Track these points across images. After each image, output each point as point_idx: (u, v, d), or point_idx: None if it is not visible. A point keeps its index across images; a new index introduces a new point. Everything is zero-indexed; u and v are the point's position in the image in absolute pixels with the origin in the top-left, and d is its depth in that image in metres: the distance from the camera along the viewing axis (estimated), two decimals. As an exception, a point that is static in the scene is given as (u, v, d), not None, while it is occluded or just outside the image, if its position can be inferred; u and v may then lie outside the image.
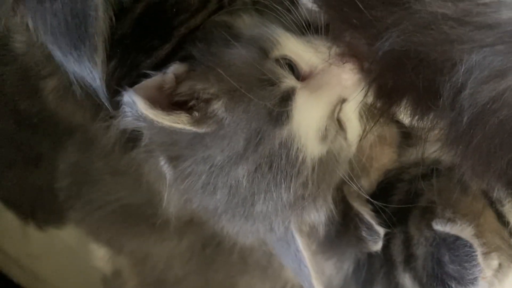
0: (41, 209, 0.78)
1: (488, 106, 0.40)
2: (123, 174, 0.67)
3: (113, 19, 0.46)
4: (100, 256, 0.78)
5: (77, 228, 0.77)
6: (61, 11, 0.43)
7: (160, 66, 0.51)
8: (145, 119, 0.46)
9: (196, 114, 0.47)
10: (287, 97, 0.48)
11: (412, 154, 0.60)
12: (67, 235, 0.81)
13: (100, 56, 0.45)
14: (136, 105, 0.45)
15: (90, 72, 0.46)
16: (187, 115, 0.47)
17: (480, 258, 0.50)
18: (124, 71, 0.52)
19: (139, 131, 0.51)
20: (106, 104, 0.48)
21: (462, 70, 0.40)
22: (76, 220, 0.76)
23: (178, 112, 0.47)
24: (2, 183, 0.77)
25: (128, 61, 0.51)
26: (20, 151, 0.73)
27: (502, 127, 0.41)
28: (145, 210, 0.66)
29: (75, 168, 0.72)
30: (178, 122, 0.46)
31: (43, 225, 0.80)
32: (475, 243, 0.50)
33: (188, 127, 0.47)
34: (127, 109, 0.47)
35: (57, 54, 0.46)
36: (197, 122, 0.47)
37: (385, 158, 0.60)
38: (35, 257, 0.82)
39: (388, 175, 0.61)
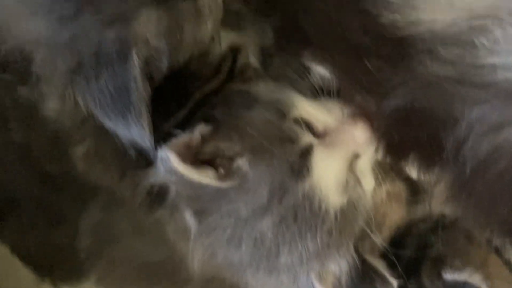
0: (60, 267, 0.79)
1: (488, 157, 0.43)
2: (147, 232, 0.69)
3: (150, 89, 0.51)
4: (119, 315, 0.79)
5: (97, 287, 0.79)
6: (106, 87, 0.48)
7: (180, 127, 0.56)
8: (176, 173, 0.50)
9: (221, 170, 0.51)
10: (306, 153, 0.52)
11: (420, 209, 0.63)
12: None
13: (145, 120, 0.49)
14: (169, 159, 0.50)
15: (139, 135, 0.50)
16: (213, 170, 0.51)
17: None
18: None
19: (165, 188, 0.55)
20: (155, 161, 0.53)
21: (464, 124, 0.44)
22: (97, 278, 0.77)
23: (205, 167, 0.51)
24: (23, 244, 0.79)
25: None
26: (43, 212, 0.75)
27: (502, 177, 0.44)
28: (166, 267, 0.68)
29: (97, 228, 0.74)
30: (206, 176, 0.50)
31: (58, 283, 0.82)
32: (484, 285, 0.52)
33: (214, 182, 0.50)
34: (161, 163, 0.51)
35: (108, 124, 0.51)
36: (222, 177, 0.51)
37: (395, 215, 0.63)
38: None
39: (398, 231, 0.63)
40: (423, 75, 0.44)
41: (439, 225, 0.58)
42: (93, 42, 0.47)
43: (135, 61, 0.47)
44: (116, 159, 0.60)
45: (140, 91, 0.48)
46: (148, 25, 0.47)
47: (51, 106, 0.62)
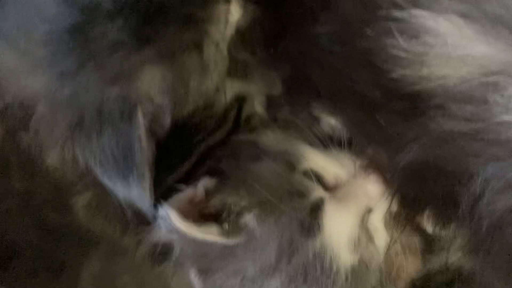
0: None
1: (505, 215, 0.42)
2: (149, 285, 0.68)
3: (154, 148, 0.50)
4: None
5: None
6: (108, 145, 0.47)
7: (184, 180, 0.54)
8: (177, 231, 0.48)
9: (226, 225, 0.49)
10: (316, 208, 0.50)
11: (436, 262, 0.61)
12: None
13: (147, 183, 0.48)
14: (170, 218, 0.48)
15: (139, 197, 0.49)
16: (218, 226, 0.49)
17: None
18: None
19: (169, 245, 0.53)
20: (153, 225, 0.51)
21: (479, 181, 0.42)
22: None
23: (209, 224, 0.49)
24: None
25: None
26: (43, 260, 0.74)
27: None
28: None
29: (99, 279, 0.73)
30: (209, 234, 0.49)
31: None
32: None
33: (219, 239, 0.49)
34: (161, 221, 0.49)
35: (107, 183, 0.50)
36: (228, 233, 0.49)
37: (411, 267, 0.61)
38: None
39: (414, 284, 0.61)
40: (436, 131, 0.43)
41: (457, 278, 0.56)
42: (95, 99, 0.46)
43: (140, 120, 0.46)
44: (118, 212, 0.58)
45: (144, 151, 0.47)
46: (152, 83, 0.46)
47: (53, 155, 0.61)
